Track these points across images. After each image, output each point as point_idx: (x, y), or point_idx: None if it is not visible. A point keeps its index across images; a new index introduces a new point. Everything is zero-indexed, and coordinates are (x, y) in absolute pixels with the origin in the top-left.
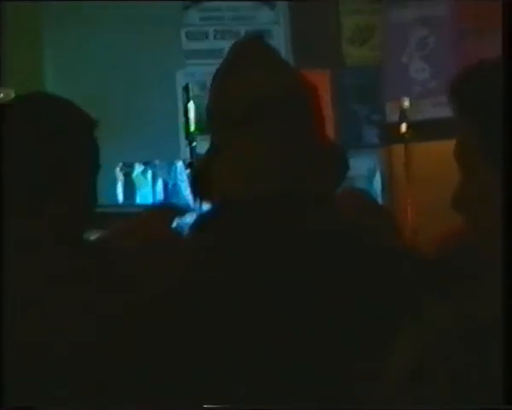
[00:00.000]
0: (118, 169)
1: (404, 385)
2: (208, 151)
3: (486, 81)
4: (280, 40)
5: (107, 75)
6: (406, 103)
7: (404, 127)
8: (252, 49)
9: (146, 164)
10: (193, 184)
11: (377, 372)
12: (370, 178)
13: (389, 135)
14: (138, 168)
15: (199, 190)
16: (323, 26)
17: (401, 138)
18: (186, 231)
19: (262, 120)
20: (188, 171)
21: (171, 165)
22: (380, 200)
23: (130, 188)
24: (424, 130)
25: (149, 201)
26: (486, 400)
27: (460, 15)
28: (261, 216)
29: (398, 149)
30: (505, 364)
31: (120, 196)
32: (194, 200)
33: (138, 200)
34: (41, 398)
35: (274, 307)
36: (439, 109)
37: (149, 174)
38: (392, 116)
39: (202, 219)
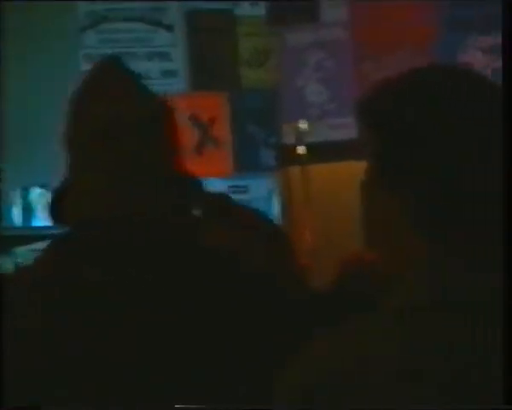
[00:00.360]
0: (15, 193)
1: (404, 385)
2: (64, 175)
3: (390, 100)
4: (178, 62)
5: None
6: (303, 126)
7: (300, 149)
8: (107, 71)
9: (43, 187)
10: (49, 209)
11: None
12: (268, 200)
13: (286, 157)
14: (35, 191)
15: (54, 214)
16: (221, 48)
17: (298, 160)
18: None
19: (111, 142)
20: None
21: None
22: (278, 222)
23: (27, 211)
24: (321, 152)
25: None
26: (486, 400)
27: (357, 39)
28: (109, 235)
29: (296, 170)
30: (505, 364)
31: (18, 219)
32: (51, 223)
33: (36, 223)
34: (41, 398)
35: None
36: (336, 131)
37: (46, 197)
38: (289, 138)
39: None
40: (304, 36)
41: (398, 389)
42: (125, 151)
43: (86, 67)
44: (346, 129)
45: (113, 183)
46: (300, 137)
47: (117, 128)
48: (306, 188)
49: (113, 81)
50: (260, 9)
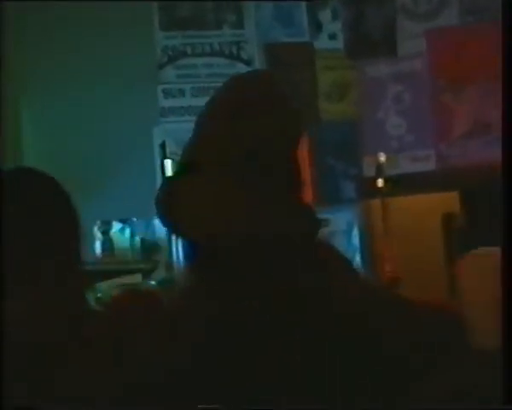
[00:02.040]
0: (96, 227)
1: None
2: (189, 190)
3: None
4: None
5: (83, 132)
6: (383, 158)
7: (380, 182)
8: (258, 87)
9: (123, 221)
10: (161, 199)
11: None
12: (349, 232)
13: (366, 189)
14: (116, 226)
15: (165, 208)
16: (300, 81)
17: (378, 193)
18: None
19: (249, 165)
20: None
21: (148, 222)
22: (358, 254)
23: (108, 246)
24: (401, 184)
25: (128, 258)
26: (486, 400)
27: (435, 71)
28: (239, 259)
29: (376, 203)
30: (505, 364)
31: (99, 255)
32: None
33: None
34: (41, 398)
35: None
36: (416, 164)
37: (127, 232)
38: (369, 171)
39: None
40: (382, 69)
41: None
42: (269, 173)
43: (164, 102)
44: (425, 161)
45: (250, 204)
46: (381, 170)
47: (268, 150)
48: (387, 220)
49: (260, 100)
50: (339, 43)
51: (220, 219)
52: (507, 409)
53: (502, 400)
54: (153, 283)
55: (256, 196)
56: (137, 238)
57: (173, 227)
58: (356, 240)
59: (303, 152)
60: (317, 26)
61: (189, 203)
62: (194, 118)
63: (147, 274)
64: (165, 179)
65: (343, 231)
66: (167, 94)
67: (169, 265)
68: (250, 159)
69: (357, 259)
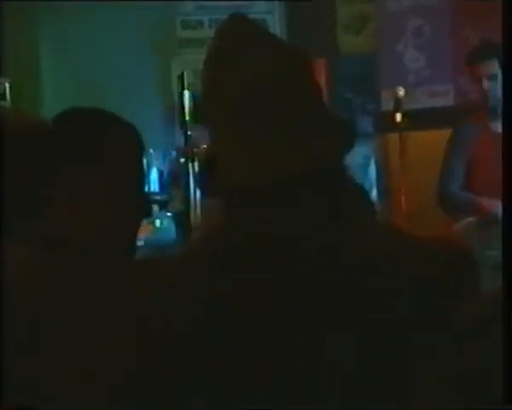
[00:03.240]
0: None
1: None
2: (213, 141)
3: None
4: (275, 29)
5: (102, 64)
6: (401, 92)
7: (398, 116)
8: (237, 30)
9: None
10: (203, 176)
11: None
12: (366, 166)
13: (384, 124)
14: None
15: (210, 181)
16: (319, 14)
17: (396, 127)
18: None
19: (259, 102)
20: (182, 160)
21: (165, 154)
22: (374, 188)
23: None
24: (419, 119)
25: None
26: (486, 400)
27: (455, 4)
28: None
29: (394, 137)
30: (505, 364)
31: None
32: (205, 192)
33: None
34: (41, 398)
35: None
36: (434, 98)
37: (144, 163)
38: (387, 105)
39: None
40: (403, 1)
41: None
42: (268, 113)
43: (182, 34)
44: (444, 96)
45: (260, 146)
46: (399, 104)
47: (258, 89)
48: (404, 155)
49: (244, 40)
50: None
51: (265, 162)
52: (507, 409)
53: (502, 400)
54: (169, 214)
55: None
56: (154, 170)
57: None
58: (372, 174)
59: (319, 84)
60: None
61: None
62: None
63: (163, 206)
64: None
65: (360, 164)
66: (186, 25)
67: (184, 197)
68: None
69: (374, 192)
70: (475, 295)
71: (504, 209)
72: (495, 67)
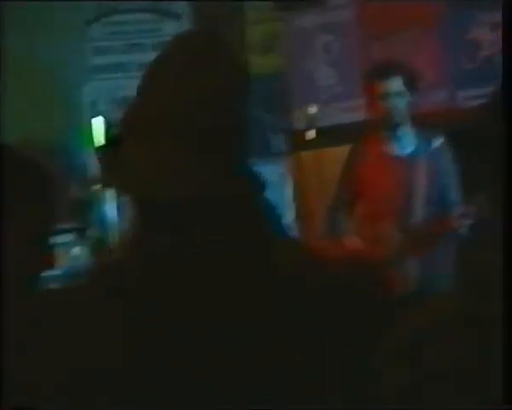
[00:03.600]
0: None
1: (404, 386)
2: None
3: None
4: None
5: (14, 89)
6: (313, 109)
7: (311, 133)
8: (175, 50)
9: None
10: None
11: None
12: (280, 184)
13: (297, 141)
14: None
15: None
16: (228, 35)
17: (309, 144)
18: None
19: (171, 122)
20: (97, 186)
21: (79, 180)
22: (289, 206)
23: None
24: (332, 135)
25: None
26: (486, 400)
27: (363, 20)
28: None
29: (307, 155)
30: (505, 364)
31: None
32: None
33: None
34: (41, 398)
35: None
36: (346, 114)
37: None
38: (299, 123)
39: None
40: (311, 19)
41: (398, 390)
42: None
43: (94, 60)
44: (355, 111)
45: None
46: (310, 122)
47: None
48: (317, 171)
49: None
50: None
51: (162, 179)
52: (507, 409)
53: (502, 400)
54: (86, 241)
55: (196, 155)
56: (68, 197)
57: (117, 186)
58: (287, 191)
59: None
60: None
61: (130, 163)
62: (124, 74)
63: (79, 234)
64: (108, 140)
65: (275, 183)
66: (97, 51)
67: (101, 224)
68: (191, 118)
69: (288, 209)
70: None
71: (504, 209)
72: (400, 85)
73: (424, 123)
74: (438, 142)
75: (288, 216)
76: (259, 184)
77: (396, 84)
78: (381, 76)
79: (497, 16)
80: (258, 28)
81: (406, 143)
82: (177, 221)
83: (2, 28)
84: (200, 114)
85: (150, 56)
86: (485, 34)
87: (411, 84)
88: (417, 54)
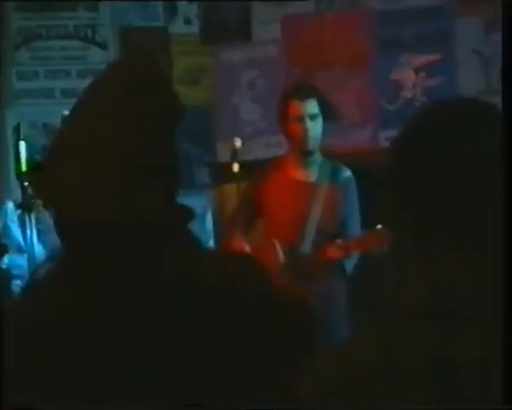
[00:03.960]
0: None
1: (403, 385)
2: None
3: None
4: None
5: None
6: (238, 143)
7: (235, 167)
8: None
9: None
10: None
11: None
12: (203, 216)
13: (221, 175)
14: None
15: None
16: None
17: (233, 178)
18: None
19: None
20: (19, 212)
21: (0, 206)
22: (212, 238)
23: None
24: (254, 169)
25: None
26: (486, 400)
27: (289, 57)
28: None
29: (231, 188)
30: (505, 364)
31: None
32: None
33: None
34: (41, 398)
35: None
36: (269, 149)
37: None
38: (224, 156)
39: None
40: (237, 54)
41: (398, 390)
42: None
43: (18, 84)
44: (278, 147)
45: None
46: (235, 155)
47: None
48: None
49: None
50: (194, 27)
51: (88, 204)
52: (507, 409)
53: (502, 400)
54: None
55: (122, 181)
56: None
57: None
58: (210, 224)
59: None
60: (172, 10)
61: (57, 185)
62: (47, 100)
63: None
64: (31, 165)
65: (198, 215)
66: (21, 76)
67: (20, 248)
68: (119, 145)
69: (211, 243)
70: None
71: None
72: (315, 107)
73: (335, 155)
74: (344, 174)
75: (210, 246)
76: (186, 212)
77: (311, 106)
78: (297, 97)
79: (421, 59)
80: (185, 60)
81: (314, 169)
82: (102, 241)
83: (2, 28)
84: (131, 142)
85: (75, 83)
86: (408, 76)
87: (325, 109)
88: (342, 92)
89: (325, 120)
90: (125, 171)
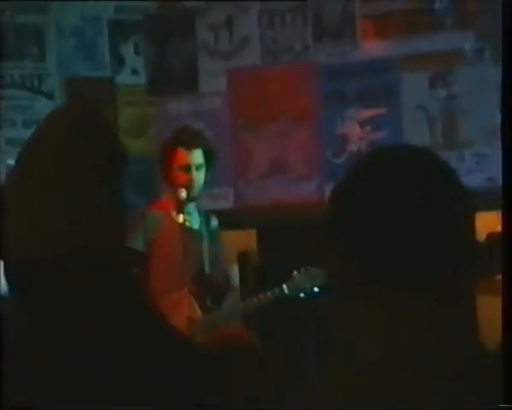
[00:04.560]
0: None
1: (402, 385)
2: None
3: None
4: None
5: None
6: (183, 194)
7: (180, 218)
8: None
9: None
10: None
11: None
12: None
13: None
14: None
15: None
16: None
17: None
18: None
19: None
20: None
21: None
22: None
23: None
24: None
25: None
26: (486, 400)
27: (235, 109)
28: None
29: None
30: (505, 364)
31: None
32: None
33: None
34: (41, 398)
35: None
36: (214, 201)
37: None
38: None
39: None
40: (183, 105)
41: (398, 390)
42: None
43: None
44: (223, 199)
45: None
46: (181, 206)
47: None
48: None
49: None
50: (141, 78)
51: (36, 240)
52: (507, 409)
53: (502, 400)
54: None
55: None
56: None
57: None
58: None
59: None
60: (119, 61)
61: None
62: None
63: None
64: None
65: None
66: None
67: None
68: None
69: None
70: None
71: (504, 209)
72: (201, 157)
73: (281, 207)
74: (214, 223)
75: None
76: (131, 255)
77: (197, 155)
78: (184, 146)
79: (367, 113)
80: (131, 111)
81: (194, 218)
82: (53, 279)
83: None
84: (74, 188)
85: (20, 133)
86: (354, 129)
87: (210, 159)
88: (288, 145)
89: (208, 169)
90: (70, 215)
